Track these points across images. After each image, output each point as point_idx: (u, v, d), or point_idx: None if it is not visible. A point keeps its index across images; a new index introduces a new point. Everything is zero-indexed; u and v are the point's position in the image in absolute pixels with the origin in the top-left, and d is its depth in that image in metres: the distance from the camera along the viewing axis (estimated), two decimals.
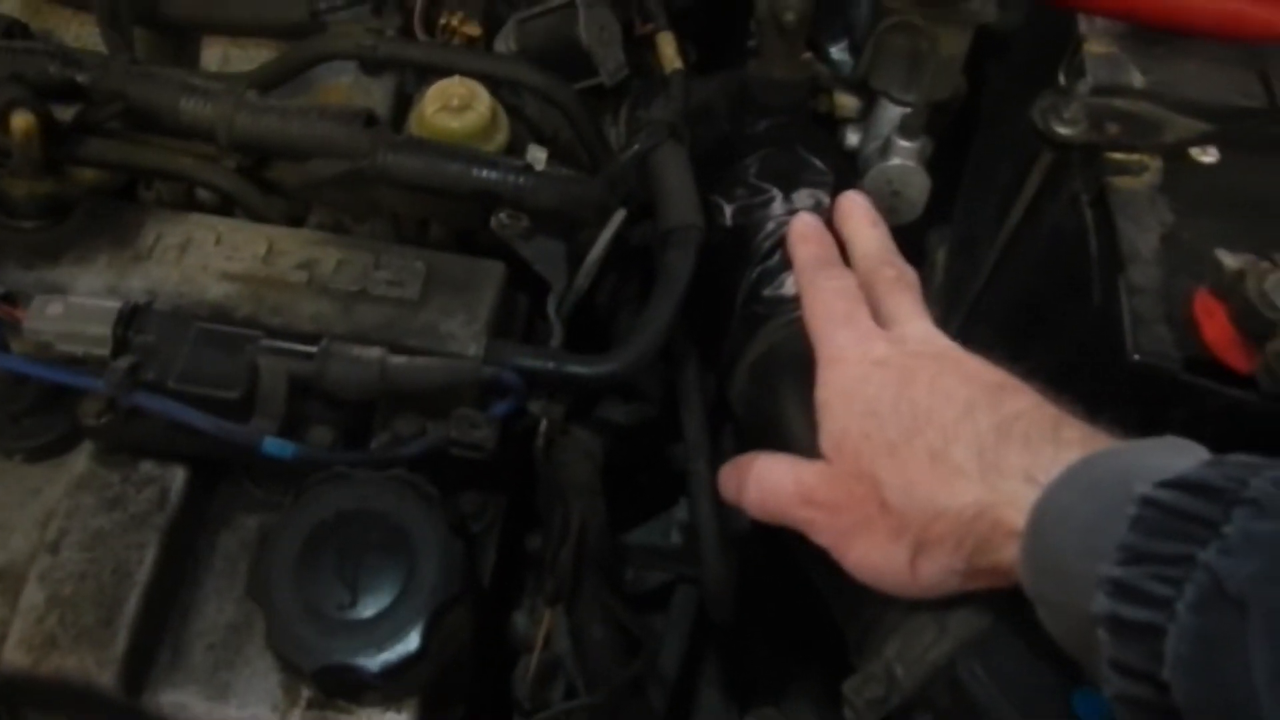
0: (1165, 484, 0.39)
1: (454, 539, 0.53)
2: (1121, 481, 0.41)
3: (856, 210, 0.64)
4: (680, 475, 0.76)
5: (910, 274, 0.61)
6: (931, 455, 0.48)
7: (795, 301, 0.69)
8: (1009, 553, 0.44)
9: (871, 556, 0.50)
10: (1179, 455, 0.42)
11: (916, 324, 0.57)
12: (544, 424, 0.67)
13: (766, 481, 0.55)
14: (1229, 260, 0.62)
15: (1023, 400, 0.49)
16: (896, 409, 0.50)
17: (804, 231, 0.64)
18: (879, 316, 0.57)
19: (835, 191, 0.79)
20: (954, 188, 0.99)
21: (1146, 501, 0.39)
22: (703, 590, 0.68)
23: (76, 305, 0.60)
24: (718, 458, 0.77)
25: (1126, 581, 0.38)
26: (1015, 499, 0.44)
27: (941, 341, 0.55)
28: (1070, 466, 0.43)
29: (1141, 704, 0.38)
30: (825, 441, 0.52)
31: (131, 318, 0.60)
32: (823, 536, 0.52)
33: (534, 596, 0.69)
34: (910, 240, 1.01)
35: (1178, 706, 0.36)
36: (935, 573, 0.48)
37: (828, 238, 0.63)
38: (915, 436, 0.49)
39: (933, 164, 0.95)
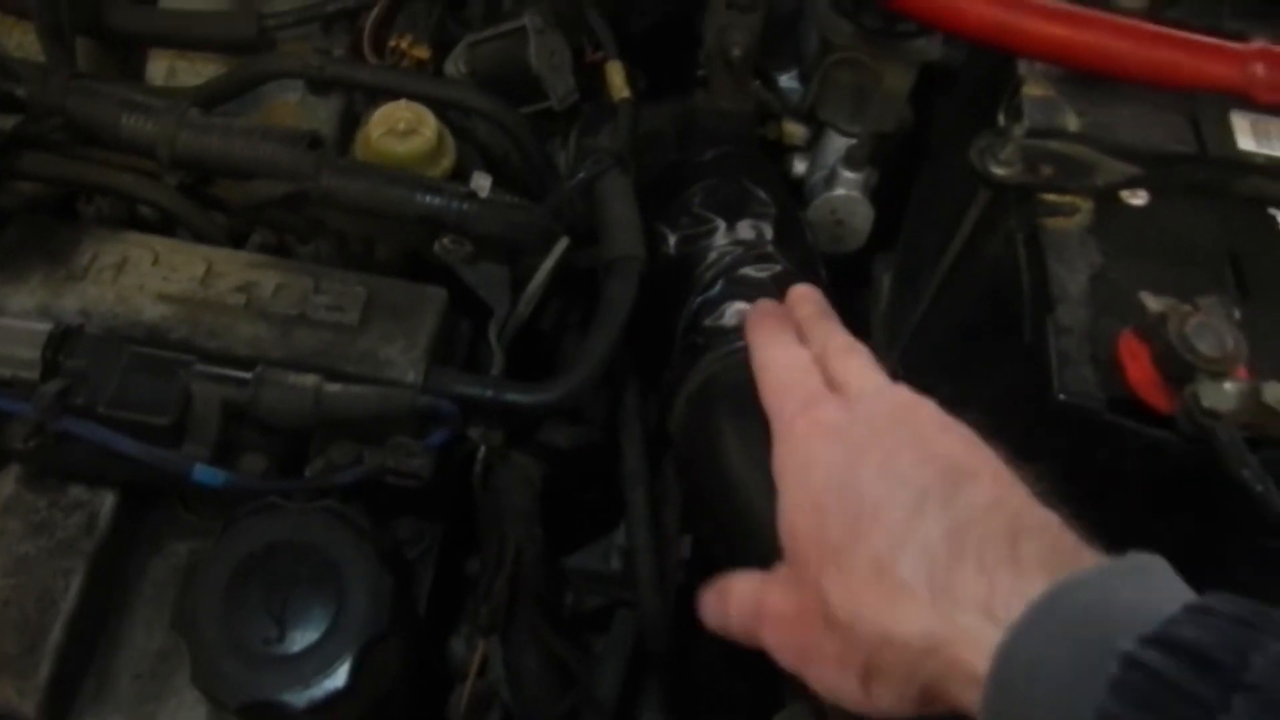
0: (1150, 641, 0.35)
1: (385, 573, 0.53)
2: (1096, 626, 0.37)
3: (806, 302, 0.62)
4: (619, 504, 0.77)
5: (861, 345, 0.58)
6: (877, 567, 0.44)
7: (735, 333, 0.70)
8: (968, 696, 0.41)
9: (825, 680, 0.47)
10: (1153, 587, 0.39)
11: (869, 379, 0.54)
12: (482, 450, 0.67)
13: (735, 602, 0.52)
14: (1152, 303, 0.63)
15: (980, 492, 0.45)
16: (843, 499, 0.47)
17: (761, 309, 0.62)
18: (832, 384, 0.55)
19: (778, 222, 0.80)
20: (900, 215, 1.00)
21: (1130, 663, 0.35)
22: (639, 621, 0.69)
23: (5, 327, 0.59)
24: (657, 485, 0.78)
25: None
26: (972, 637, 0.40)
27: (896, 395, 0.52)
28: (1035, 605, 0.39)
29: None
30: (782, 532, 0.49)
31: (62, 341, 0.59)
32: (783, 657, 0.49)
33: (471, 623, 0.69)
34: (855, 267, 1.03)
35: None
36: (890, 701, 0.45)
37: (786, 317, 0.61)
38: (860, 540, 0.45)
39: (879, 192, 0.97)
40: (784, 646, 0.49)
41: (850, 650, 0.45)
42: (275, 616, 0.50)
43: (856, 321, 0.68)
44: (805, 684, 0.48)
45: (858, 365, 0.56)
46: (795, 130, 0.95)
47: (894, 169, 0.97)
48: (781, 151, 0.96)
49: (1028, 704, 0.38)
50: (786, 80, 0.96)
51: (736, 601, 0.52)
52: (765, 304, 0.64)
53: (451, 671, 0.68)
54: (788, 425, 0.52)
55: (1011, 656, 0.39)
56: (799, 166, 0.96)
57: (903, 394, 0.52)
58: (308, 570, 0.52)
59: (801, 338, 0.59)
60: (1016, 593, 0.40)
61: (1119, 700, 0.34)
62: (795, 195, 0.93)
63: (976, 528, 0.43)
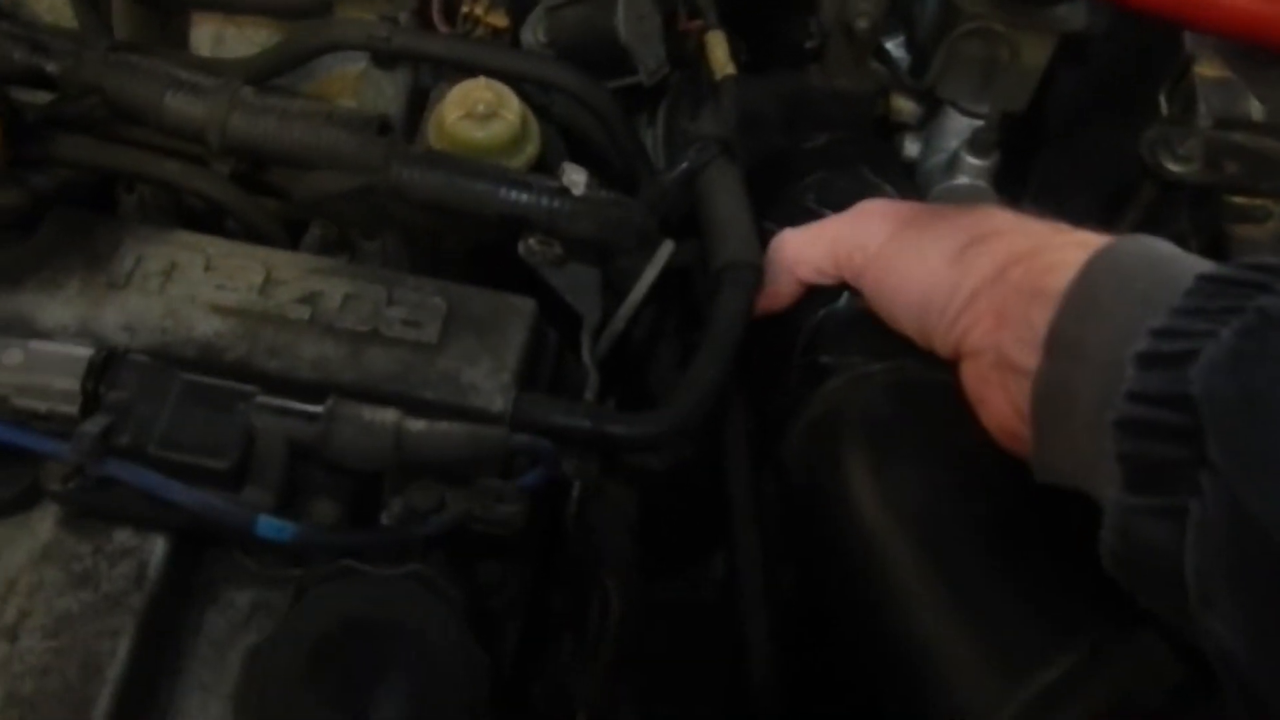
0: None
1: (481, 655, 0.45)
2: (1171, 264, 0.43)
3: None
4: (713, 522, 0.69)
5: None
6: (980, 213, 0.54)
7: (866, 356, 0.61)
8: (1036, 278, 0.47)
9: (914, 265, 0.54)
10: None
11: None
12: (577, 486, 0.59)
13: (848, 240, 0.59)
14: None
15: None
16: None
17: None
18: None
19: None
20: (1014, 199, 0.90)
21: (1203, 277, 0.40)
22: (747, 670, 0.61)
23: (39, 353, 0.52)
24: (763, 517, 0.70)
25: (1172, 327, 0.39)
26: (1066, 244, 0.48)
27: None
28: (1127, 241, 0.46)
29: (1150, 429, 0.38)
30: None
31: (104, 369, 0.51)
32: (868, 265, 0.57)
33: (556, 664, 0.62)
34: None
35: (1194, 423, 0.35)
36: (973, 266, 0.51)
37: None
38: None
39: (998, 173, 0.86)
40: (874, 258, 0.57)
41: (960, 229, 0.53)
42: (355, 710, 0.43)
43: None
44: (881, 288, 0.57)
45: None
46: (906, 106, 0.85)
47: (1010, 148, 0.87)
48: (890, 130, 0.86)
49: (1109, 293, 0.43)
50: (893, 48, 0.86)
51: (838, 239, 0.60)
52: None
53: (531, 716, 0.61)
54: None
55: (1100, 261, 0.45)
56: (910, 148, 0.85)
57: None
58: (392, 654, 0.44)
59: None
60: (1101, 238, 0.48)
61: (1189, 297, 0.40)
62: (911, 179, 0.83)
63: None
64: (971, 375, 0.52)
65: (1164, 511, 0.37)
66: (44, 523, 0.54)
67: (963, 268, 0.52)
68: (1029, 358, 0.46)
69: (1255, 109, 0.64)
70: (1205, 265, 0.42)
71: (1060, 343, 0.45)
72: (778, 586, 0.70)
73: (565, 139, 0.75)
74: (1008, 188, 0.87)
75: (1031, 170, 0.89)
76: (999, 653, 0.46)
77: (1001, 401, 0.50)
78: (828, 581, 0.61)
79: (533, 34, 0.77)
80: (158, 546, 0.53)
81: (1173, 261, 0.44)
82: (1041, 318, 0.45)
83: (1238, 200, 0.61)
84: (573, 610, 0.60)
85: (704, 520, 0.74)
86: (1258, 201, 0.61)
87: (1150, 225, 0.67)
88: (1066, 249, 0.48)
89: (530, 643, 0.61)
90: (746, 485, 0.65)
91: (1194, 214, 0.63)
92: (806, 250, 0.62)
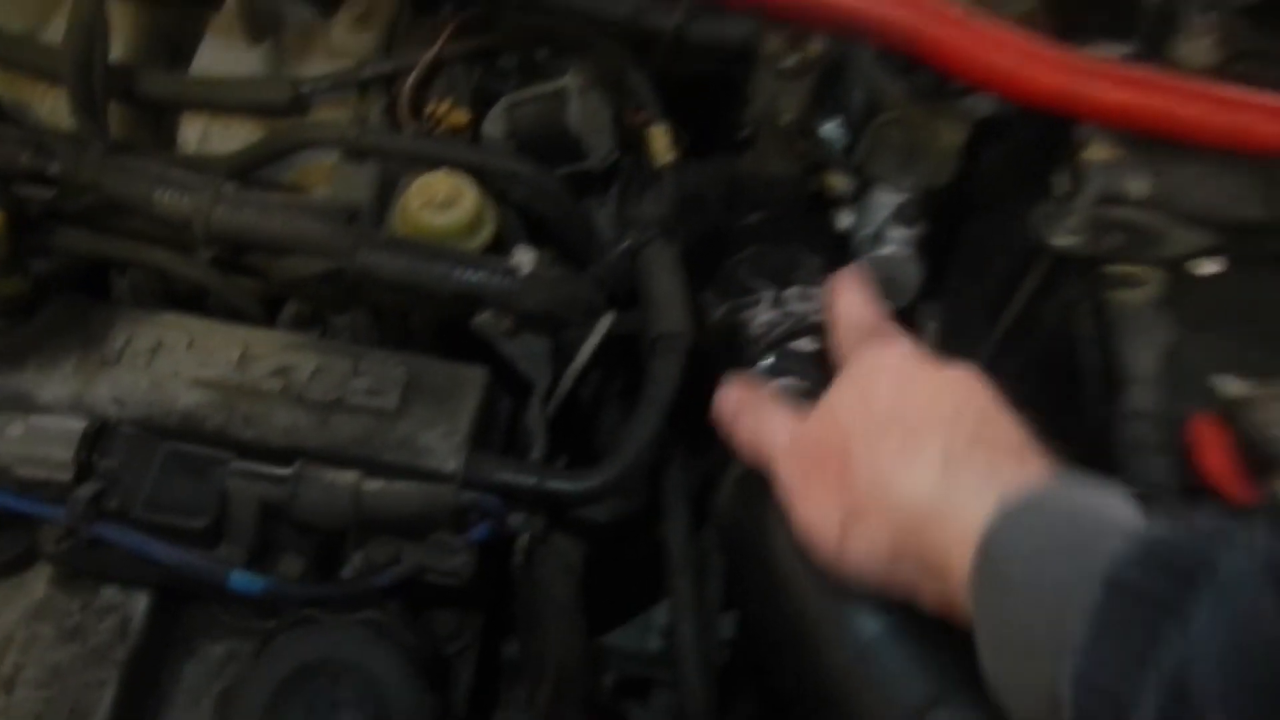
0: (1133, 551, 0.39)
1: (429, 694, 0.50)
2: (1087, 518, 0.42)
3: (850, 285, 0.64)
4: (659, 571, 0.74)
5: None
6: (903, 442, 0.50)
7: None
8: (946, 556, 0.45)
9: (812, 512, 0.53)
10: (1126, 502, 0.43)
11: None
12: (523, 538, 0.65)
13: (768, 425, 0.58)
14: (1230, 386, 0.60)
15: (1007, 429, 0.50)
16: (892, 398, 0.52)
17: (851, 302, 0.64)
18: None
19: None
20: (943, 265, 0.97)
21: (1112, 579, 0.39)
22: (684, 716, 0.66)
23: (38, 427, 0.58)
24: (698, 558, 0.75)
25: (1089, 671, 0.37)
26: (967, 506, 0.45)
27: (962, 368, 0.56)
28: (1031, 492, 0.44)
29: None
30: (818, 409, 0.55)
31: (96, 440, 0.57)
32: (783, 486, 0.55)
33: (506, 711, 0.67)
34: (900, 315, 1.00)
35: None
36: (861, 549, 0.50)
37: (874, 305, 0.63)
38: (895, 426, 0.51)
39: (925, 240, 0.93)
40: (791, 473, 0.54)
41: (845, 490, 0.50)
42: None
43: None
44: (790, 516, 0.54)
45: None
46: (840, 182, 0.92)
47: (938, 217, 0.94)
48: (825, 204, 0.93)
49: (1012, 579, 0.42)
50: (830, 129, 0.93)
51: (761, 415, 0.58)
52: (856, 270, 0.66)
53: None
54: (857, 355, 0.57)
55: (1004, 530, 0.43)
56: (845, 220, 0.92)
57: (960, 367, 0.56)
58: (348, 693, 0.50)
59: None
60: (1017, 479, 0.45)
61: (1106, 604, 0.38)
62: (841, 249, 0.90)
63: (995, 438, 0.49)
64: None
65: None
66: (37, 583, 0.59)
67: (846, 549, 0.51)
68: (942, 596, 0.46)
69: (1137, 186, 0.70)
70: (1109, 535, 0.40)
71: (983, 611, 0.43)
72: (717, 634, 0.75)
73: (525, 220, 0.82)
74: (938, 254, 0.93)
75: (959, 237, 0.96)
76: (886, 698, 0.51)
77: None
78: (757, 626, 0.66)
79: (494, 128, 0.84)
80: (140, 602, 0.58)
81: (1074, 524, 0.42)
82: (952, 588, 0.45)
83: (1117, 269, 0.68)
84: (521, 657, 0.65)
85: (650, 571, 0.80)
86: (1135, 270, 0.67)
87: (1046, 292, 0.73)
88: (952, 517, 0.45)
89: (483, 688, 0.66)
90: (684, 537, 0.70)
91: (1081, 282, 0.69)
92: (737, 419, 0.60)
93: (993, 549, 0.43)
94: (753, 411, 0.59)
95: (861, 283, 0.64)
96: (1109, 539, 0.40)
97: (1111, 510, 0.43)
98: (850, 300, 0.62)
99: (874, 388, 0.54)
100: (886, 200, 0.90)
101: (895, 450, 0.49)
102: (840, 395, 0.55)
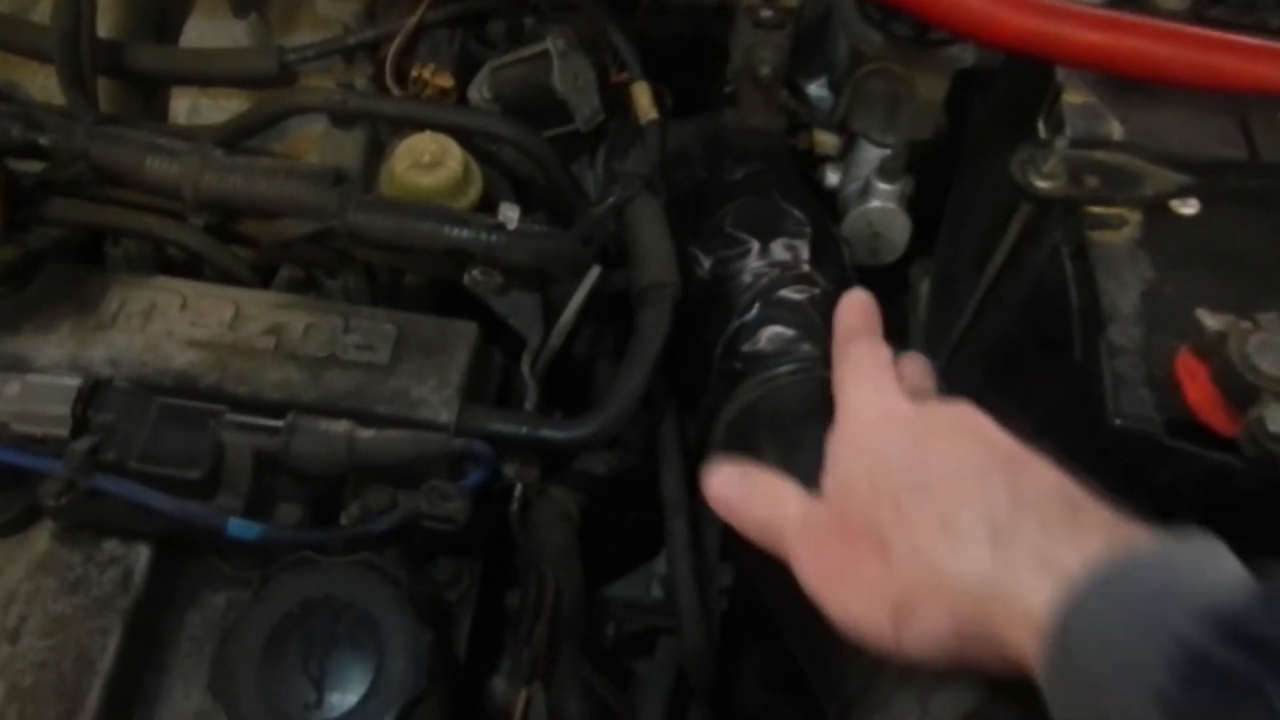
0: (1211, 625, 0.36)
1: (424, 628, 0.51)
2: (1157, 599, 0.39)
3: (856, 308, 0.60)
4: (659, 527, 0.75)
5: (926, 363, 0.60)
6: (940, 516, 0.46)
7: (774, 358, 0.68)
8: (1012, 636, 0.42)
9: (855, 608, 0.48)
10: (1212, 567, 0.40)
11: (931, 388, 0.57)
12: (518, 488, 0.66)
13: (772, 501, 0.52)
14: (1210, 321, 0.61)
15: (1040, 475, 0.47)
16: (909, 464, 0.48)
17: (850, 301, 0.61)
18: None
19: (814, 241, 0.78)
20: (935, 220, 0.98)
21: (1190, 645, 0.36)
22: (682, 657, 0.67)
23: (34, 384, 0.59)
24: (697, 509, 0.76)
25: None
26: (1028, 584, 0.42)
27: (959, 404, 0.52)
28: (1096, 571, 0.41)
29: None
30: (830, 487, 0.50)
31: (91, 396, 0.58)
32: (809, 575, 0.49)
33: (513, 658, 0.68)
34: (890, 272, 1.01)
35: None
36: (922, 639, 0.46)
37: (873, 313, 0.60)
38: (925, 496, 0.47)
39: (915, 198, 0.94)
40: (814, 560, 0.49)
41: (892, 583, 0.46)
42: (313, 679, 0.49)
43: (895, 329, 0.66)
44: (819, 607, 0.48)
45: (924, 372, 0.57)
46: (827, 140, 0.93)
47: (928, 173, 0.95)
48: (813, 162, 0.94)
49: (1089, 667, 0.39)
50: (816, 88, 0.94)
51: (776, 502, 0.51)
52: (856, 294, 0.61)
53: (493, 712, 0.67)
54: (855, 407, 0.53)
55: (1075, 620, 0.40)
56: (832, 177, 0.93)
57: (965, 405, 0.52)
58: (345, 629, 0.51)
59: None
60: (1075, 549, 0.41)
61: (1178, 680, 0.36)
62: (829, 206, 0.91)
63: (1038, 498, 0.45)
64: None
65: None
66: (40, 538, 0.60)
67: (904, 639, 0.46)
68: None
69: (1115, 129, 0.71)
70: (1186, 622, 0.37)
71: (1058, 702, 0.41)
72: (715, 579, 0.76)
73: (512, 181, 0.83)
74: (929, 210, 0.94)
75: (948, 193, 0.97)
76: None
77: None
78: (756, 573, 0.67)
79: (479, 92, 0.85)
80: (142, 554, 0.60)
81: (1147, 601, 0.39)
82: (1026, 670, 0.42)
83: (1097, 210, 0.68)
84: (520, 601, 0.66)
85: (651, 528, 0.81)
86: (1114, 211, 0.68)
87: (1030, 237, 0.74)
88: (1014, 598, 0.42)
89: (484, 636, 0.67)
90: (679, 478, 0.71)
91: (1063, 224, 0.70)
92: (738, 501, 0.53)
93: (1065, 639, 0.40)
94: (753, 491, 0.52)
95: (866, 304, 0.60)
96: (1183, 614, 0.37)
97: (1190, 577, 0.39)
98: (850, 315, 0.59)
99: (883, 453, 0.49)
100: (871, 155, 0.90)
101: (936, 530, 0.45)
102: (848, 465, 0.50)
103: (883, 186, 0.87)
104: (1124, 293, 0.65)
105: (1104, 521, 0.44)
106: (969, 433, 0.49)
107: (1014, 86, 0.86)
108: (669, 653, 0.78)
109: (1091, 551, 0.41)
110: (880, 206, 0.87)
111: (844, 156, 0.93)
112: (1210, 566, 0.40)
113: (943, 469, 0.47)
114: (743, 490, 0.53)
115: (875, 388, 0.54)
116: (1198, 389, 0.60)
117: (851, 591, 0.47)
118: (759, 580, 0.66)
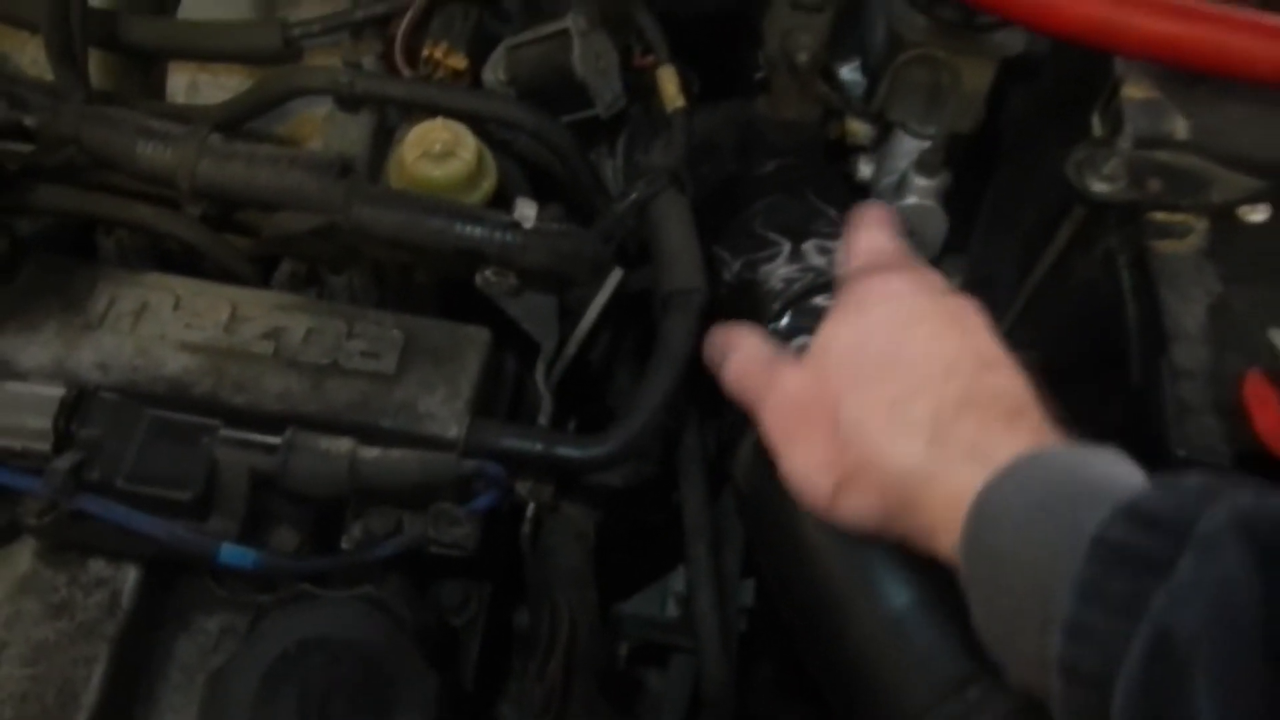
0: (1119, 512, 0.39)
1: (430, 672, 0.48)
2: (1066, 485, 0.41)
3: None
4: (676, 537, 0.71)
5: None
6: (891, 402, 0.48)
7: None
8: (936, 520, 0.45)
9: (800, 469, 0.51)
10: (1120, 464, 0.43)
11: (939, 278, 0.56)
12: (531, 508, 0.62)
13: (747, 358, 0.55)
14: None
15: (1001, 378, 0.48)
16: (885, 347, 0.50)
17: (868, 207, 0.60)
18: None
19: None
20: (970, 216, 0.93)
21: (1099, 528, 0.38)
22: (702, 689, 0.63)
23: (14, 394, 0.55)
24: (717, 523, 0.72)
25: (1081, 624, 0.38)
26: (956, 472, 0.45)
27: (957, 297, 0.53)
28: (1019, 458, 0.43)
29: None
30: (811, 348, 0.53)
31: (75, 408, 0.54)
32: (770, 427, 0.53)
33: (520, 682, 0.64)
34: None
35: None
36: (852, 512, 0.49)
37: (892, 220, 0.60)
38: (886, 375, 0.49)
39: (950, 191, 0.89)
40: (778, 424, 0.52)
41: (839, 457, 0.49)
42: None
43: None
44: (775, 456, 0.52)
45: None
46: (860, 129, 0.87)
47: (964, 166, 0.90)
48: (844, 152, 0.89)
49: (1001, 550, 0.41)
50: (849, 72, 0.89)
51: (749, 358, 0.55)
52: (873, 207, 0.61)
53: None
54: (858, 281, 0.54)
55: (993, 497, 0.42)
56: (864, 169, 0.88)
57: (968, 300, 0.53)
58: (345, 672, 0.47)
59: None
60: (1005, 446, 0.44)
61: (1090, 566, 0.38)
62: (861, 199, 0.86)
63: (990, 399, 0.47)
64: None
65: None
66: (22, 556, 0.57)
67: (836, 509, 0.50)
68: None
69: (1180, 127, 0.66)
70: (1095, 504, 0.39)
71: (973, 578, 0.43)
72: (735, 602, 0.72)
73: (529, 172, 0.78)
74: (963, 205, 0.89)
75: (985, 188, 0.91)
76: (917, 672, 0.49)
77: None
78: (777, 590, 0.64)
79: (494, 73, 0.80)
80: (130, 576, 0.56)
81: (1062, 489, 0.41)
82: (943, 555, 0.44)
83: (1160, 217, 0.63)
84: (532, 629, 0.62)
85: (667, 537, 0.77)
86: (1178, 218, 0.63)
87: (1082, 243, 0.69)
88: (939, 485, 0.45)
89: (493, 660, 0.63)
90: (701, 502, 0.67)
91: (1121, 231, 0.65)
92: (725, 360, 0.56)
93: (980, 516, 0.43)
94: (740, 353, 0.55)
95: (884, 219, 0.59)
96: (1097, 502, 0.39)
97: (1100, 474, 0.42)
98: (869, 235, 0.58)
99: (870, 326, 0.51)
100: (909, 147, 0.85)
101: (884, 412, 0.48)
102: (835, 332, 0.52)
103: (920, 182, 0.82)
104: (1188, 308, 0.61)
105: (1039, 428, 0.46)
106: (957, 325, 0.51)
107: (1063, 77, 0.81)
108: (684, 672, 0.75)
109: (1019, 448, 0.44)
110: (918, 204, 0.82)
111: (878, 148, 0.88)
112: (1119, 468, 0.42)
113: (914, 353, 0.49)
114: (733, 352, 0.55)
115: (884, 265, 0.55)
116: (1268, 417, 0.56)
117: (802, 456, 0.51)
118: (782, 605, 0.62)
